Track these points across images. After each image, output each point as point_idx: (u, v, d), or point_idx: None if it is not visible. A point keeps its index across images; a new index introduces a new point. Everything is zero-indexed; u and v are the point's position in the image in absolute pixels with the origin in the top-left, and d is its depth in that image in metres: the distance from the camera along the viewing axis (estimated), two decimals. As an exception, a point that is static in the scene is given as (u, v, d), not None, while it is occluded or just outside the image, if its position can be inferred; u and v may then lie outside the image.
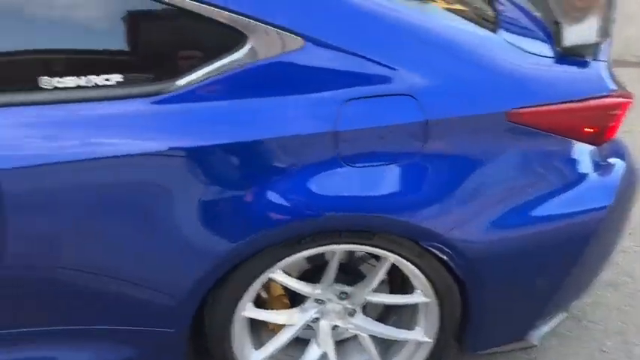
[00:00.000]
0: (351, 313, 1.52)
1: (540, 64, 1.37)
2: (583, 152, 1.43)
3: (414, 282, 1.43)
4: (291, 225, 1.28)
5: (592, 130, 1.39)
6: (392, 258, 1.38)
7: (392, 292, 1.61)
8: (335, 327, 1.53)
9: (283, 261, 1.34)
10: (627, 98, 1.39)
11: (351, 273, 1.57)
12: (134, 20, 1.24)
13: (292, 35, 1.24)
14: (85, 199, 1.24)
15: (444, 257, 1.36)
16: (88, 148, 1.20)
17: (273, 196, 1.26)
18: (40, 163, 1.19)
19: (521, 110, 1.31)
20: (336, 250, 1.37)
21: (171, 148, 1.22)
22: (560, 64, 1.39)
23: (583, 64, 1.39)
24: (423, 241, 1.34)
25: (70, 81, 1.20)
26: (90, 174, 1.22)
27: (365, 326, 1.53)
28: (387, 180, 1.29)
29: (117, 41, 1.24)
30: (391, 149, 1.29)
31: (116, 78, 1.21)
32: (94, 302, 1.35)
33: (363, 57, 1.26)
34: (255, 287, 1.38)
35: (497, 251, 1.39)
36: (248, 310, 1.41)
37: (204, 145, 1.22)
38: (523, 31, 1.52)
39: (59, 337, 1.41)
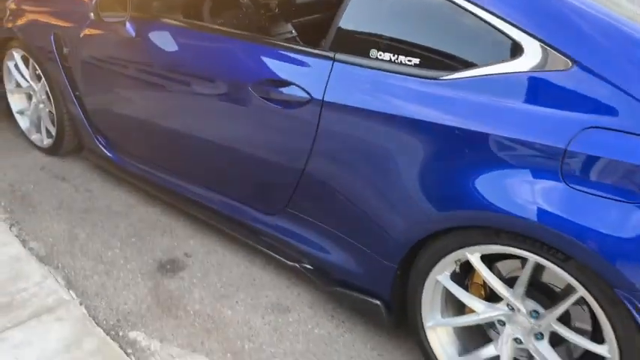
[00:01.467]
0: (538, 337, 1.55)
1: None
2: None
3: (604, 333, 1.37)
4: (490, 215, 1.45)
5: None
6: (582, 291, 1.37)
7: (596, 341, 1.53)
8: (518, 341, 1.59)
9: (480, 246, 1.52)
10: None
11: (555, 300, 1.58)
12: (443, 24, 1.61)
13: (564, 57, 1.39)
14: (370, 139, 1.69)
15: (634, 312, 1.27)
16: (384, 102, 1.65)
17: (488, 184, 1.45)
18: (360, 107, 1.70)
19: None
20: (530, 259, 1.45)
21: (427, 121, 1.55)
22: None
23: None
24: (619, 290, 1.29)
25: (387, 57, 1.67)
26: (373, 122, 1.67)
27: (545, 355, 1.54)
28: (600, 212, 1.31)
29: (427, 37, 1.63)
30: (616, 185, 1.29)
31: (415, 61, 1.62)
32: (347, 215, 1.82)
33: (625, 92, 1.31)
34: (452, 258, 1.59)
35: None
36: (443, 277, 1.64)
37: (450, 125, 1.50)
38: None
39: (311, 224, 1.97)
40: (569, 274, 1.38)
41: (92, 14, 2.31)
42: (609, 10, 1.46)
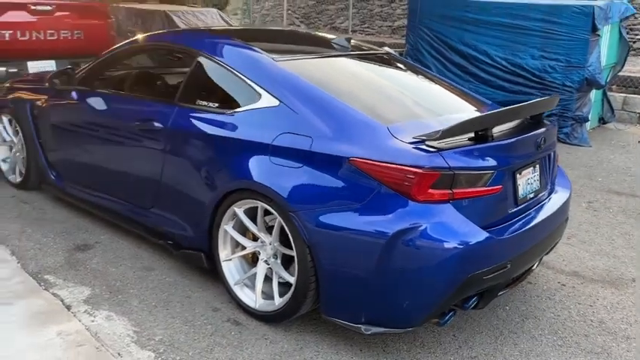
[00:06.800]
0: (275, 257, 2.64)
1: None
2: (396, 200, 2.22)
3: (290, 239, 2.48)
4: (236, 182, 2.63)
5: (397, 186, 2.21)
6: (278, 218, 2.49)
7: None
8: (267, 262, 2.66)
9: (239, 202, 2.65)
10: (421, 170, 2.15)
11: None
12: (227, 84, 2.89)
13: (275, 99, 2.64)
14: (193, 148, 2.90)
15: (297, 225, 2.38)
16: (199, 127, 2.87)
17: (246, 165, 2.62)
18: (181, 129, 2.93)
19: (356, 160, 2.29)
20: (259, 205, 2.58)
21: (222, 135, 2.76)
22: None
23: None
24: (289, 212, 2.42)
25: (203, 103, 2.93)
26: (195, 138, 2.89)
27: (276, 267, 2.62)
28: (280, 173, 2.48)
29: (220, 92, 2.92)
30: (291, 159, 2.47)
31: (215, 105, 2.87)
32: (184, 200, 2.96)
33: (302, 116, 2.53)
34: (230, 213, 2.72)
35: (322, 236, 2.32)
36: (228, 227, 2.75)
37: (232, 137, 2.71)
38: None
39: (168, 209, 3.10)
40: (273, 209, 2.52)
41: (47, 83, 3.64)
42: (303, 78, 2.72)
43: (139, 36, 3.51)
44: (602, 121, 7.63)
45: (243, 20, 17.81)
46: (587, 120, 6.74)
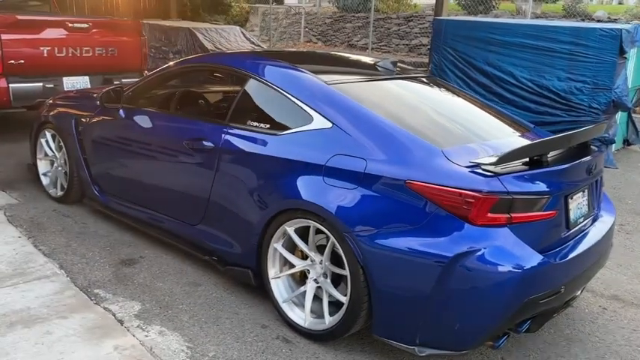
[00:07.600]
0: (325, 276, 2.68)
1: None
2: (453, 223, 2.26)
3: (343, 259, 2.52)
4: (288, 201, 2.69)
5: (455, 209, 2.24)
6: (331, 238, 2.53)
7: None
8: (316, 281, 2.70)
9: (290, 221, 2.71)
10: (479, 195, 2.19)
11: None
12: (279, 107, 2.96)
13: (328, 121, 2.70)
14: (244, 168, 2.96)
15: (351, 245, 2.43)
16: (251, 147, 2.94)
17: (295, 185, 2.68)
18: (235, 149, 3.01)
19: (413, 182, 2.34)
20: (311, 225, 2.63)
21: (272, 155, 2.83)
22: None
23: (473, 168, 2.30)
24: (343, 233, 2.47)
25: (254, 124, 3.00)
26: (245, 158, 2.95)
27: (327, 286, 2.66)
28: (335, 194, 2.53)
29: (272, 114, 2.99)
30: (345, 180, 2.52)
31: (266, 126, 2.94)
32: (234, 218, 3.02)
33: (353, 137, 2.59)
34: (280, 232, 2.77)
35: (377, 257, 2.37)
36: (277, 245, 2.81)
37: (283, 157, 2.77)
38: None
39: (215, 226, 3.15)
40: (325, 228, 2.57)
41: (98, 102, 3.74)
42: (355, 101, 2.79)
43: (189, 57, 3.60)
44: (627, 143, 7.64)
45: (261, 37, 18.07)
46: (614, 142, 6.75)
